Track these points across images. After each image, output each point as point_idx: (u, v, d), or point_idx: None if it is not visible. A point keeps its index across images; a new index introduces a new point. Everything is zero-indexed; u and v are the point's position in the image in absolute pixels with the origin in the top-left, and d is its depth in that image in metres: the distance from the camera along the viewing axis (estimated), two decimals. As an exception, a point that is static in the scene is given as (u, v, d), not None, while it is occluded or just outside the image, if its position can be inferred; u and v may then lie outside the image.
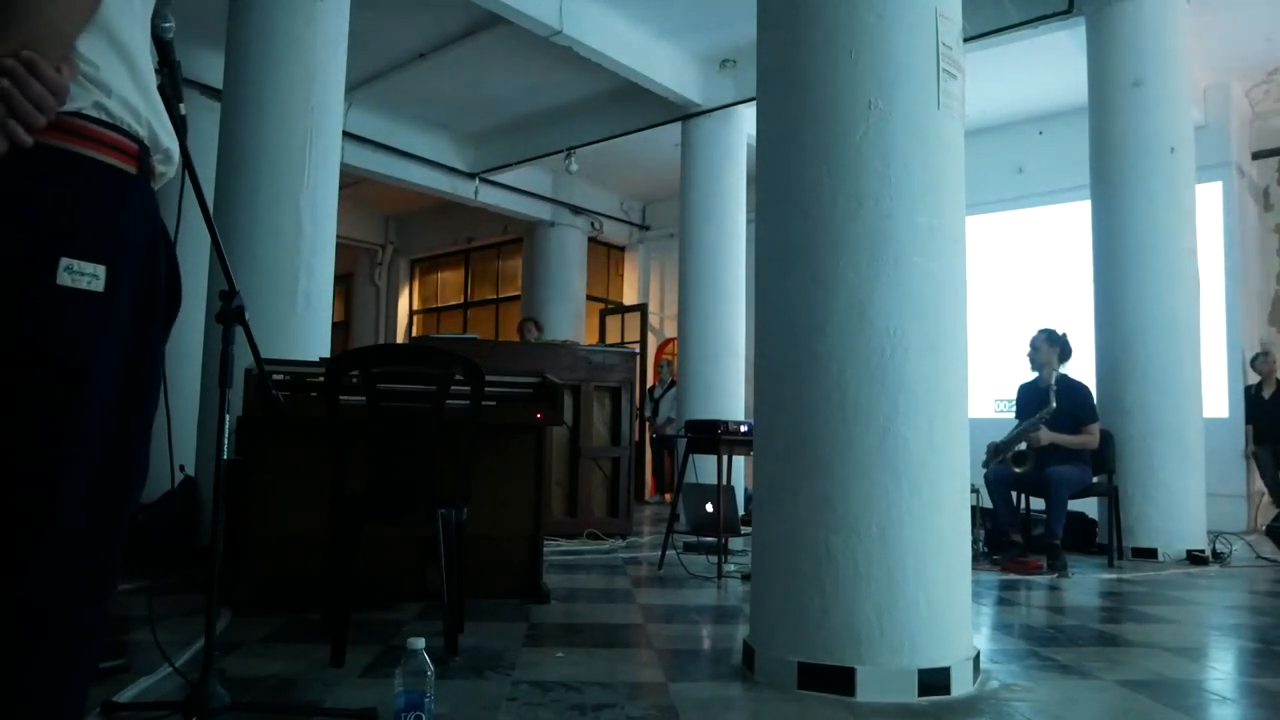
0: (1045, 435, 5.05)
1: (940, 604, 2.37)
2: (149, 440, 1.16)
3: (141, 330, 1.13)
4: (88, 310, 1.04)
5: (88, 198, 1.07)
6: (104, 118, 1.08)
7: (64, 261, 1.02)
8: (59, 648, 1.04)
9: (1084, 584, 4.51)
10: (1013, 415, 5.48)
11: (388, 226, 13.55)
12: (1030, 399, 5.31)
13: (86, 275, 1.04)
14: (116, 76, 1.09)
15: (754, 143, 2.84)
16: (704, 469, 5.20)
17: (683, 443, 5.05)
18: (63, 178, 1.04)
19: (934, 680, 2.31)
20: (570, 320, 11.29)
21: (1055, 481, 4.89)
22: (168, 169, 1.24)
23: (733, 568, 4.52)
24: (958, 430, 2.50)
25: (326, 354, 4.48)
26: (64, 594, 1.04)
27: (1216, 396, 7.44)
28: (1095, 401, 5.32)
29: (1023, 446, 5.18)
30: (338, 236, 4.93)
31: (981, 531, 5.25)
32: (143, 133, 1.14)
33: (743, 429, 4.52)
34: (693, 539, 5.11)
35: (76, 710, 1.09)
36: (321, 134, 4.67)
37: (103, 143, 1.08)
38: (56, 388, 1.02)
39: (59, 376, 1.03)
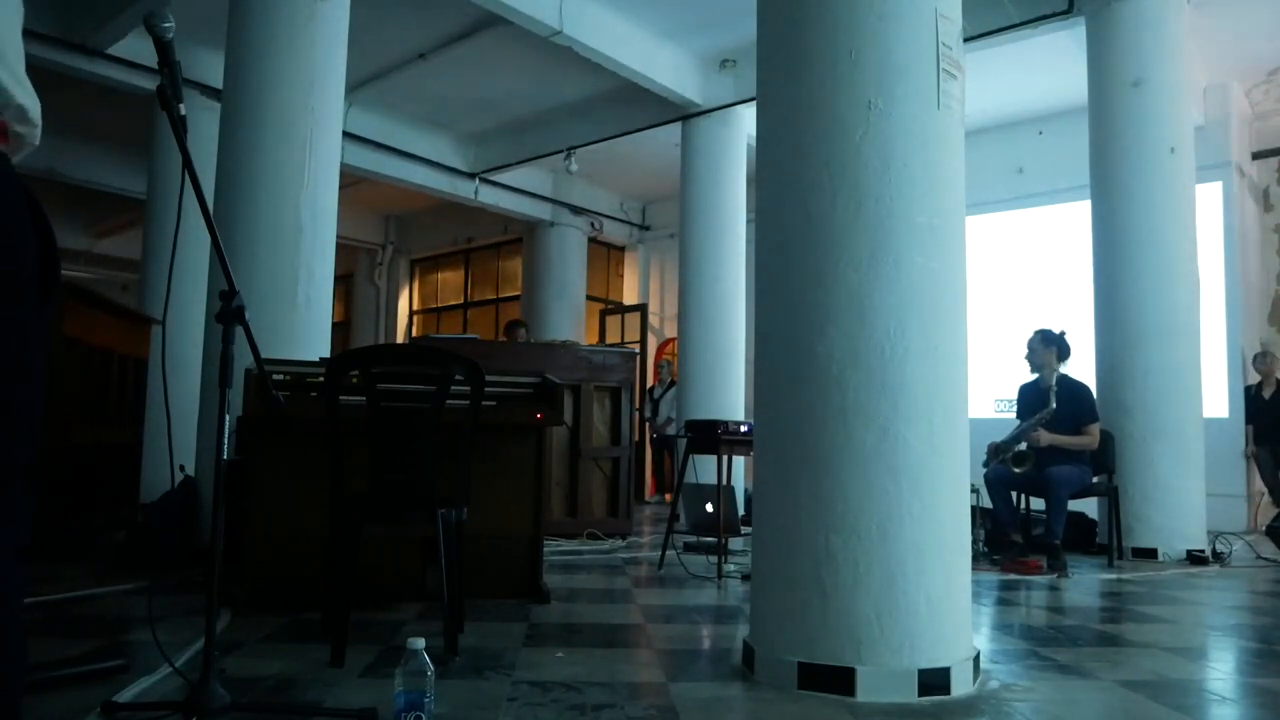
0: (1045, 437, 5.04)
1: (940, 604, 2.37)
2: (32, 419, 1.01)
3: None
4: None
5: None
6: None
7: None
8: None
9: (1084, 584, 4.51)
10: (1013, 415, 5.48)
11: (388, 226, 13.55)
12: (1031, 399, 5.31)
13: None
14: None
15: (754, 143, 2.84)
16: (704, 469, 5.20)
17: (683, 443, 5.05)
18: None
19: (934, 680, 2.31)
20: (570, 320, 11.30)
21: (1055, 482, 4.89)
22: (26, 130, 1.05)
23: (733, 568, 4.52)
24: (958, 430, 2.50)
25: (326, 354, 4.48)
26: None
27: (1216, 396, 7.45)
28: (1096, 401, 5.31)
29: (1023, 446, 5.18)
30: (338, 236, 4.92)
31: (981, 531, 5.25)
32: None
33: (743, 429, 4.52)
34: (693, 539, 5.11)
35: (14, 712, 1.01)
36: (321, 134, 4.67)
37: None
38: None
39: None
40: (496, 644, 2.86)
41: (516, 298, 12.23)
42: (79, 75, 6.86)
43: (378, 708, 2.04)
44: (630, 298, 12.44)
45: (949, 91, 2.53)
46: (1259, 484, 7.59)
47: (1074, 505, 5.21)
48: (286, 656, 2.65)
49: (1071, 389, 5.18)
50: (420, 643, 1.90)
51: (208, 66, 6.47)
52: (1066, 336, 5.29)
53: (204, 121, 6.03)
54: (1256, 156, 8.55)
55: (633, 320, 12.04)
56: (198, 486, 4.55)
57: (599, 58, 6.94)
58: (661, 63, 7.48)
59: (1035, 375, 5.36)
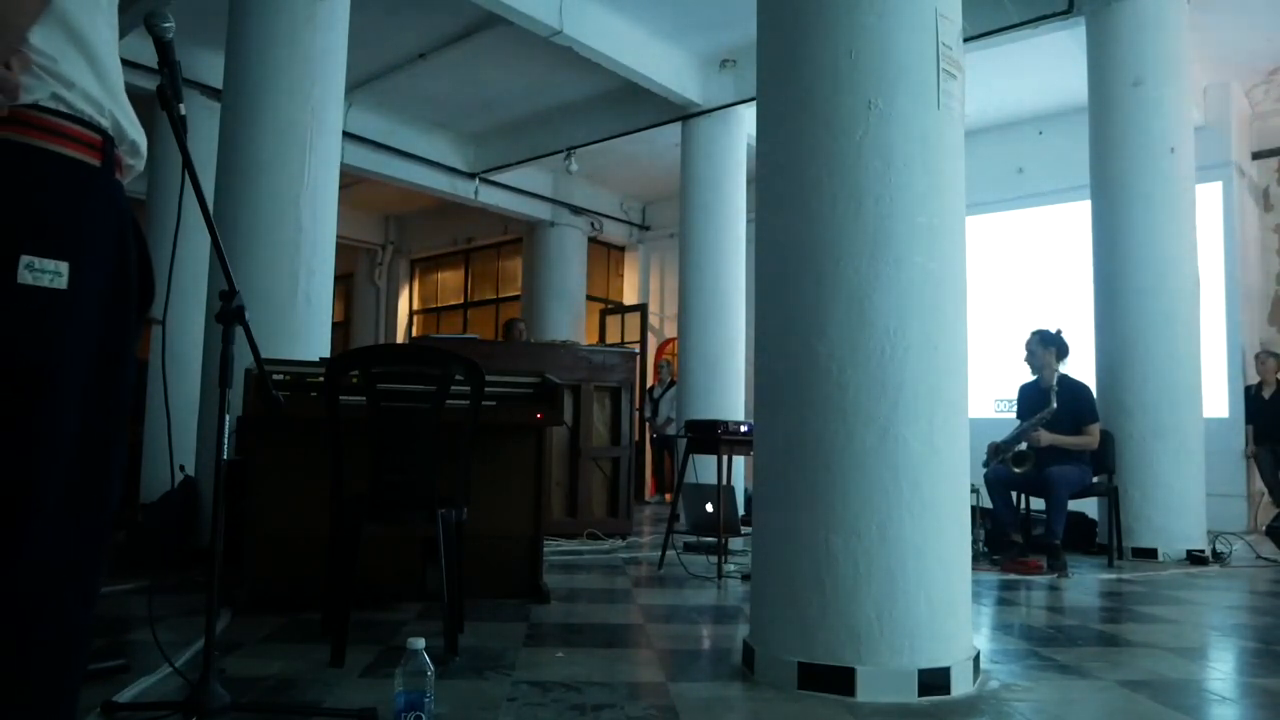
0: (1045, 437, 5.04)
1: (940, 604, 2.37)
2: (126, 436, 1.14)
3: (113, 326, 1.10)
4: (52, 309, 1.01)
5: (48, 192, 1.04)
6: (62, 109, 1.06)
7: (24, 259, 1.00)
8: (49, 649, 1.03)
9: (1084, 584, 4.51)
10: (1013, 415, 5.48)
11: (388, 226, 13.55)
12: (1031, 399, 5.31)
13: (49, 273, 1.01)
14: (75, 69, 1.07)
15: (754, 143, 2.84)
16: (704, 469, 5.20)
17: (683, 443, 5.05)
18: (20, 172, 1.02)
19: (934, 680, 2.31)
20: (570, 320, 11.30)
21: (1055, 481, 4.88)
22: (136, 162, 1.21)
23: (733, 568, 4.52)
24: (958, 430, 2.50)
25: (326, 354, 4.48)
26: (49, 598, 1.02)
27: (1216, 396, 7.45)
28: (1096, 401, 5.31)
29: (1023, 446, 5.18)
30: (338, 236, 4.93)
31: (981, 531, 5.25)
32: (105, 124, 1.11)
33: (743, 429, 4.52)
34: (693, 539, 5.11)
35: (70, 710, 1.07)
36: (321, 134, 4.67)
37: (61, 134, 1.05)
38: (24, 391, 1.00)
39: (25, 379, 1.00)
40: (496, 644, 2.86)
41: (516, 298, 12.24)
42: (79, 75, 6.85)
43: (378, 708, 2.05)
44: (630, 298, 12.44)
45: (949, 91, 2.53)
46: (1259, 484, 7.59)
47: (1074, 505, 5.21)
48: (286, 656, 2.65)
49: (1072, 389, 5.17)
50: (420, 643, 1.90)
51: (208, 66, 6.47)
52: (1063, 334, 5.29)
53: (204, 121, 6.03)
54: (1256, 156, 8.55)
55: (633, 320, 12.03)
56: (198, 486, 4.55)
57: (599, 58, 6.94)
58: (661, 63, 7.48)
59: (1035, 376, 5.36)
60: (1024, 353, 5.36)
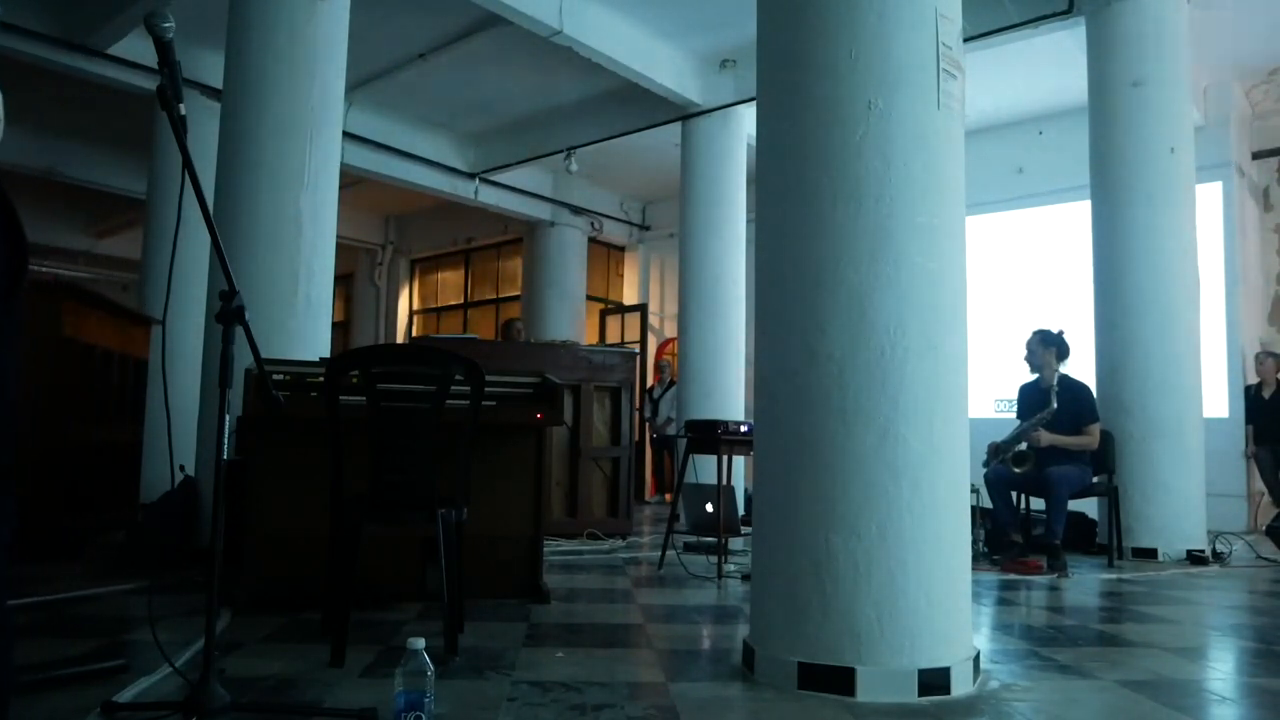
0: (1045, 437, 5.04)
1: (940, 604, 2.37)
2: (13, 428, 1.01)
3: None
4: None
5: None
6: None
7: None
8: None
9: (1084, 584, 4.51)
10: (1013, 415, 5.48)
11: (388, 226, 13.56)
12: (1031, 399, 5.31)
13: None
14: None
15: (754, 143, 2.84)
16: (704, 469, 5.20)
17: (683, 443, 5.05)
18: None
19: (934, 680, 2.31)
20: (570, 320, 11.30)
21: (1055, 481, 4.88)
22: None
23: (733, 568, 4.52)
24: (958, 430, 2.50)
25: (326, 354, 4.48)
26: None
27: (1216, 396, 7.45)
28: (1096, 401, 5.31)
29: (1023, 446, 5.17)
30: (338, 236, 4.93)
31: (981, 531, 5.25)
32: None
33: (743, 429, 4.52)
34: (693, 539, 5.11)
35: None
36: (321, 134, 4.66)
37: None
38: None
39: None
40: (496, 644, 2.86)
41: (516, 298, 12.23)
42: (79, 75, 6.86)
43: (378, 708, 2.04)
44: (630, 298, 12.44)
45: (949, 91, 2.53)
46: (1259, 484, 7.59)
47: (1074, 505, 5.21)
48: (286, 656, 2.65)
49: (1072, 389, 5.17)
50: (420, 643, 1.90)
51: (208, 66, 6.47)
52: (1065, 336, 5.29)
53: (204, 121, 6.03)
54: (1256, 156, 8.55)
55: (633, 320, 12.04)
56: (198, 486, 4.55)
57: (599, 58, 6.94)
58: (661, 63, 7.48)
59: (1035, 375, 5.36)
60: (1024, 352, 5.36)
